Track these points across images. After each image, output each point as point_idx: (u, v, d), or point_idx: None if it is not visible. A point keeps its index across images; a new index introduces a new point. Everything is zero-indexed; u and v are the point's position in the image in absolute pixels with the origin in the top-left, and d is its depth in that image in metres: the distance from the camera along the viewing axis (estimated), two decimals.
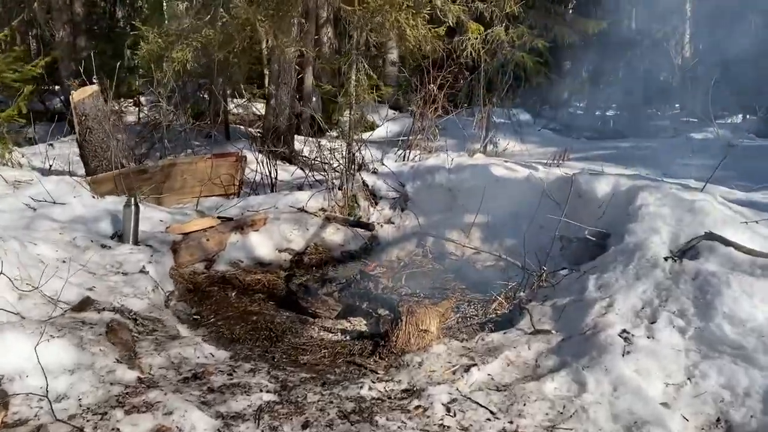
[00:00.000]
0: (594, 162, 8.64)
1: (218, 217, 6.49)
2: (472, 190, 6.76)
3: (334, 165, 7.95)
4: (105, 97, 8.92)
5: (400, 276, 5.96)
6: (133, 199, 5.45)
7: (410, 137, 8.08)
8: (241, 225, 6.48)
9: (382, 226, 7.16)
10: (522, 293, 5.02)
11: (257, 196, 7.66)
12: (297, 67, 11.46)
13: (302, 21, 7.96)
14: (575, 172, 6.20)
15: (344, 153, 7.56)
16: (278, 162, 9.67)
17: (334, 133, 13.01)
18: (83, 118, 7.16)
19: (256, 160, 8.20)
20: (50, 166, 7.96)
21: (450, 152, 7.72)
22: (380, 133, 12.92)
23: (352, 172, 7.44)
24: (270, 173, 8.20)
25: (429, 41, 7.91)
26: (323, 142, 8.72)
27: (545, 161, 8.54)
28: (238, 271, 6.03)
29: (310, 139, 8.75)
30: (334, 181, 7.50)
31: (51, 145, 8.46)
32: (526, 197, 6.38)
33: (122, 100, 11.81)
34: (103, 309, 4.15)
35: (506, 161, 7.61)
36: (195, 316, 5.03)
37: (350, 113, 7.57)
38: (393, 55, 14.83)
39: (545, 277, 4.94)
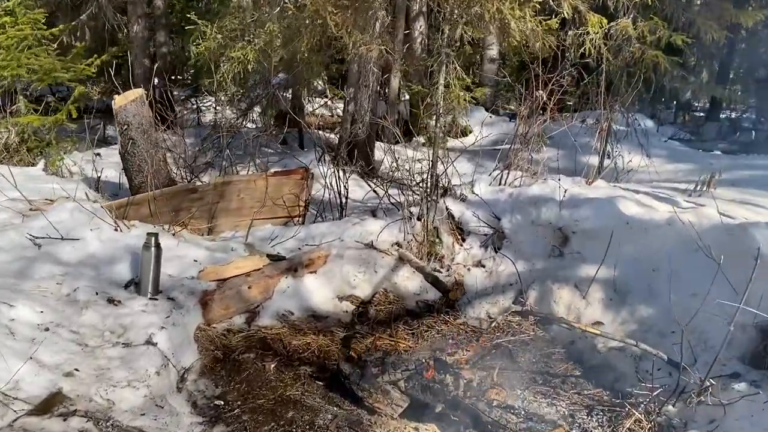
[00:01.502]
0: (747, 190, 6.71)
1: (268, 256, 5.26)
2: (591, 232, 5.15)
3: (414, 186, 6.55)
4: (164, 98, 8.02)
5: (490, 363, 4.48)
6: (153, 238, 4.30)
7: (510, 154, 6.51)
8: (294, 266, 5.23)
9: (469, 269, 5.70)
10: (671, 406, 3.44)
11: (322, 223, 6.39)
12: (382, 66, 10.18)
13: (385, 14, 6.57)
14: (744, 222, 4.46)
15: (427, 174, 6.14)
16: (355, 176, 8.44)
17: (422, 139, 11.62)
18: (125, 127, 6.17)
19: (324, 177, 6.94)
20: (98, 177, 7.06)
21: (561, 177, 6.11)
22: (473, 140, 11.43)
23: (434, 198, 6.01)
24: (340, 193, 6.93)
25: (538, 36, 6.34)
26: (405, 153, 7.30)
27: (684, 187, 6.71)
28: (285, 328, 4.79)
29: (394, 146, 7.37)
30: (412, 209, 6.10)
31: (98, 154, 7.59)
32: (670, 248, 4.73)
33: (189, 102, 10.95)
34: (74, 412, 3.00)
35: (636, 191, 5.91)
36: (217, 402, 3.82)
37: (436, 126, 6.13)
38: (492, 51, 13.20)
39: (710, 388, 3.32)
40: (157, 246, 4.37)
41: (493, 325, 5.05)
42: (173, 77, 12.90)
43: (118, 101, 6.21)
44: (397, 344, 4.80)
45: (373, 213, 6.84)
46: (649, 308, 4.44)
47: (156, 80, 12.37)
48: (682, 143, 11.36)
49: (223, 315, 4.61)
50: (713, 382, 3.29)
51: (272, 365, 4.25)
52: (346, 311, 5.22)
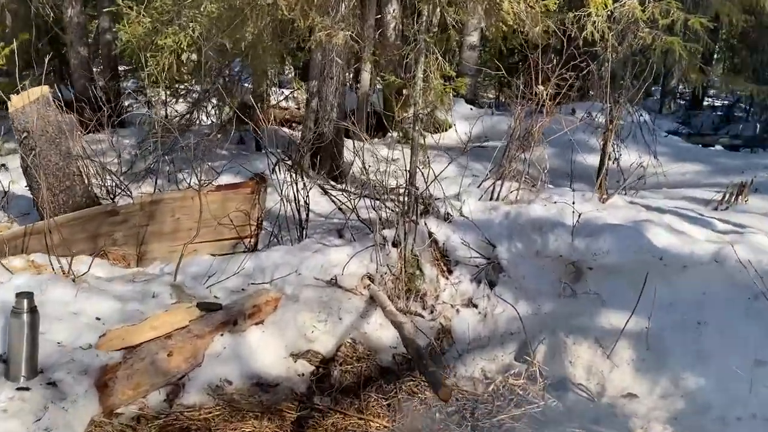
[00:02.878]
0: None
1: (199, 305, 4.05)
2: (613, 268, 4.05)
3: (387, 198, 5.37)
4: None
5: None
6: (25, 300, 3.08)
7: (503, 161, 5.36)
8: (233, 317, 4.03)
9: (458, 311, 4.56)
10: None
11: (276, 250, 5.19)
12: (351, 55, 8.96)
13: None
14: None
15: (404, 190, 4.98)
16: (321, 182, 7.23)
17: (396, 135, 10.43)
18: (25, 135, 4.89)
19: (281, 187, 5.71)
20: (5, 192, 5.75)
21: (567, 192, 4.99)
22: (454, 135, 10.27)
23: (413, 219, 4.85)
24: (299, 209, 5.72)
25: (536, 19, 5.18)
26: (377, 153, 6.05)
27: (704, 196, 5.64)
28: (218, 408, 3.60)
29: (365, 144, 6.11)
30: (385, 232, 4.93)
31: (4, 165, 6.27)
32: (717, 293, 3.65)
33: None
34: None
35: (659, 209, 4.82)
36: None
37: (414, 130, 4.96)
38: (473, 38, 12.01)
39: None
40: (32, 311, 3.15)
41: (491, 389, 3.92)
42: (120, 68, 11.47)
43: (15, 102, 4.91)
44: (369, 424, 3.65)
45: (339, 233, 5.66)
46: (699, 377, 3.35)
47: (96, 71, 10.99)
48: (684, 138, 10.35)
49: (132, 397, 3.41)
50: None
51: None
52: (302, 374, 4.05)
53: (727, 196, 5.45)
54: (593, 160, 6.83)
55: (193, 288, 4.48)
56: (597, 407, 3.54)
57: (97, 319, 3.73)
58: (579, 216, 4.20)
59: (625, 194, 5.63)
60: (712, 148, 10.44)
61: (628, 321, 3.67)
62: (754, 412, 2.96)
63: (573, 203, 4.32)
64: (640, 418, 3.29)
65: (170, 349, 3.62)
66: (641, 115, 7.72)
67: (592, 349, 3.80)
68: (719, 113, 15.56)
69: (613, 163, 6.42)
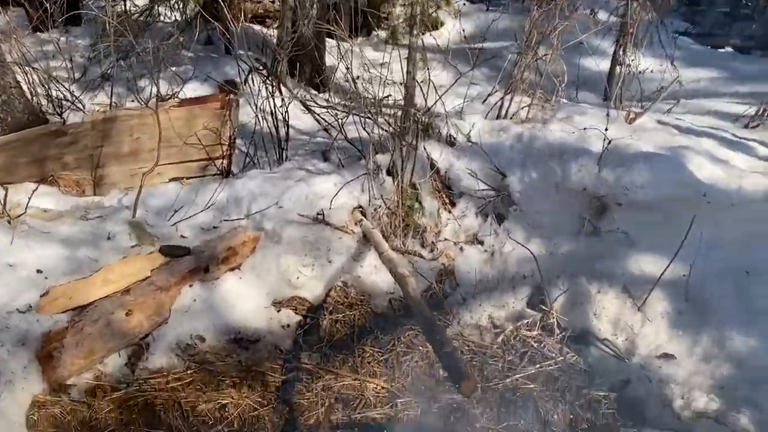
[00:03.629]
0: None
1: (162, 250, 3.44)
2: (646, 205, 3.49)
3: (378, 113, 4.66)
4: None
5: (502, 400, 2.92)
6: None
7: (515, 72, 4.62)
8: (204, 264, 3.45)
9: (462, 249, 4.02)
10: None
11: (252, 177, 4.51)
12: None
13: None
14: None
15: (398, 105, 4.27)
16: (302, 90, 6.43)
17: (383, 34, 9.50)
18: None
19: (255, 100, 4.95)
20: None
21: (589, 110, 4.32)
22: (445, 35, 9.33)
23: (411, 143, 4.19)
24: (278, 126, 4.99)
25: None
26: (364, 54, 5.22)
27: (729, 109, 5.00)
28: (189, 372, 3.09)
29: (349, 45, 5.24)
30: (378, 157, 4.28)
31: None
32: None
33: None
34: None
35: (689, 129, 4.20)
36: None
37: (412, 33, 4.19)
38: None
39: None
40: None
41: (500, 339, 3.46)
42: None
43: None
44: (365, 385, 3.18)
45: (325, 155, 5.00)
46: (748, 337, 2.88)
47: None
48: (693, 38, 9.53)
49: (83, 366, 2.86)
50: None
51: None
52: (287, 326, 3.53)
53: (760, 111, 4.83)
54: (603, 65, 6.07)
55: (157, 225, 3.85)
56: (626, 368, 3.10)
57: (39, 272, 3.12)
58: (609, 142, 3.57)
59: (643, 107, 4.96)
60: (721, 49, 9.63)
61: (667, 267, 3.14)
62: None
63: (605, 129, 3.66)
64: (679, 385, 2.85)
65: (129, 307, 3.05)
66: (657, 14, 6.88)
67: (620, 300, 3.31)
68: (722, 10, 14.57)
69: (626, 69, 5.69)
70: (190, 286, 3.36)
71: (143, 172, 4.17)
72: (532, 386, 3.15)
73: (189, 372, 3.09)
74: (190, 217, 3.93)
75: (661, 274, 3.16)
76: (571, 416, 2.94)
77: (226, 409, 2.90)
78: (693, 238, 3.13)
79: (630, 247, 3.48)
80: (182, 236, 3.81)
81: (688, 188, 3.34)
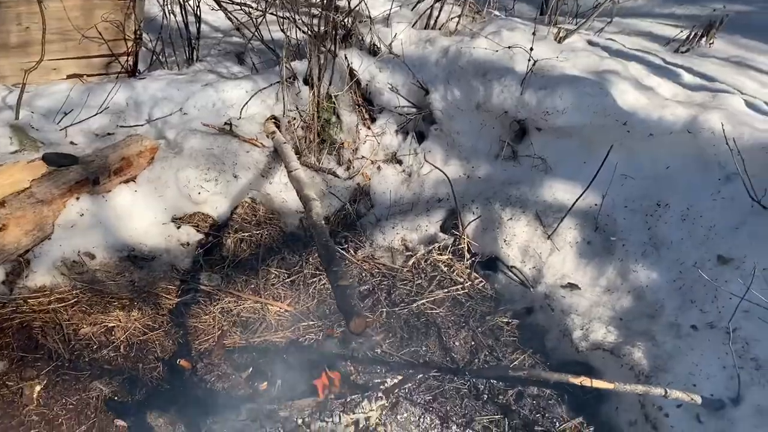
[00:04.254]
0: (747, 41, 4.96)
1: (45, 158, 3.11)
2: (566, 131, 3.38)
3: (300, 20, 4.30)
4: None
5: (403, 348, 2.88)
6: None
7: None
8: (94, 175, 3.15)
9: (379, 168, 3.85)
10: None
11: (156, 78, 4.14)
12: None
13: None
14: None
15: (320, 5, 3.92)
16: None
17: None
18: None
19: None
20: None
21: (516, 23, 4.09)
22: None
23: (330, 48, 3.90)
24: (187, 22, 4.53)
25: None
26: None
27: (668, 35, 4.87)
28: (75, 290, 2.87)
29: None
30: (295, 64, 3.98)
31: None
32: (685, 171, 3.10)
33: None
34: None
35: (619, 52, 4.06)
36: None
37: None
38: None
39: None
40: None
41: (411, 263, 3.38)
42: None
43: None
44: (266, 308, 3.06)
45: (239, 57, 4.63)
46: (651, 271, 2.90)
47: None
48: None
49: None
50: None
51: (35, 389, 2.42)
52: (187, 245, 3.33)
53: (692, 36, 4.73)
54: None
55: (43, 129, 3.48)
56: (531, 296, 3.08)
57: None
58: (534, 63, 3.39)
59: (577, 23, 4.74)
60: None
61: (580, 197, 3.08)
62: (711, 321, 2.56)
63: (530, 49, 3.46)
64: (580, 315, 2.86)
65: (3, 221, 2.75)
66: None
67: (531, 227, 3.25)
68: None
69: None
70: (77, 198, 3.07)
71: (34, 78, 3.73)
72: (437, 311, 3.10)
73: (75, 292, 2.87)
74: (81, 121, 3.57)
75: (573, 204, 3.11)
76: (473, 342, 2.93)
77: (113, 333, 2.72)
78: (608, 168, 3.05)
79: (546, 174, 3.40)
80: (72, 143, 3.48)
81: (610, 116, 3.24)
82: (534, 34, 3.70)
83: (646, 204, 3.11)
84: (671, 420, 2.32)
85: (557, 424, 2.54)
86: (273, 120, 3.86)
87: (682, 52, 4.60)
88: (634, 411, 2.46)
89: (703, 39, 4.73)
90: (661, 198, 3.09)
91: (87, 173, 3.11)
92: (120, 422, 2.36)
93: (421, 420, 2.49)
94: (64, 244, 2.99)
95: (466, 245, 3.37)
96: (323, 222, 2.63)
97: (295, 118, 3.83)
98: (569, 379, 2.06)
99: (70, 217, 3.03)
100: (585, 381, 2.03)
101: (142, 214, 3.26)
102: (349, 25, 4.08)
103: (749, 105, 3.42)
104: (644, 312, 2.80)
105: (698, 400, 2.23)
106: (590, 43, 4.13)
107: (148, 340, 2.75)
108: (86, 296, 2.86)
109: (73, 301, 2.82)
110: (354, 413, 2.11)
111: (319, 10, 3.84)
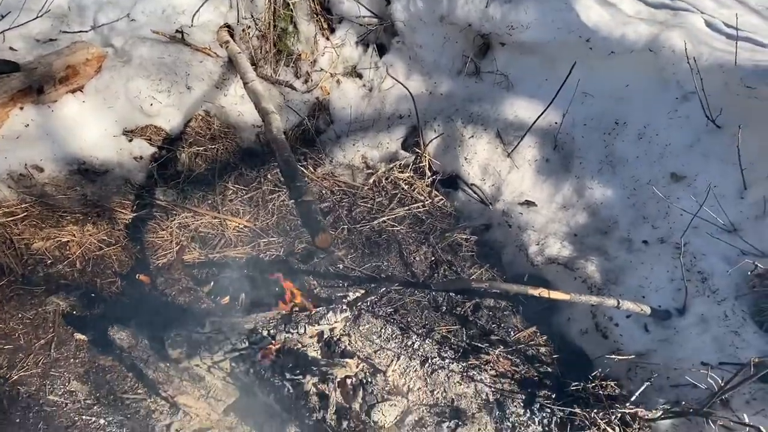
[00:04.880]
0: None
1: None
2: (530, 47, 3.34)
3: None
4: None
5: (366, 263, 2.92)
6: None
7: None
8: (37, 83, 2.96)
9: (339, 82, 3.76)
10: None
11: None
12: None
13: None
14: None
15: None
16: None
17: None
18: None
19: None
20: None
21: None
22: None
23: None
24: None
25: None
26: None
27: None
28: (25, 203, 2.77)
29: None
30: None
31: None
32: (644, 89, 3.14)
33: None
34: None
35: None
36: None
37: None
38: None
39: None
40: None
41: (372, 180, 3.38)
42: None
43: None
44: (225, 224, 3.03)
45: None
46: (606, 188, 2.97)
47: None
48: None
49: None
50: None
51: None
52: (140, 158, 3.22)
53: None
54: None
55: None
56: (489, 213, 3.13)
57: None
58: None
59: None
60: None
61: (540, 115, 3.09)
62: (662, 237, 2.66)
63: None
64: (536, 231, 2.94)
65: None
66: None
67: (492, 144, 3.27)
68: None
69: None
70: (21, 108, 2.90)
71: None
72: (398, 228, 3.13)
73: (24, 206, 2.76)
74: (20, 25, 3.31)
75: (534, 122, 3.12)
76: (432, 258, 2.98)
77: (68, 248, 2.65)
78: (569, 86, 3.05)
79: (508, 91, 3.38)
80: (11, 48, 3.24)
81: (573, 32, 3.21)
82: None
83: (604, 122, 3.14)
84: (621, 329, 2.45)
85: (512, 333, 2.65)
86: (227, 28, 3.67)
87: None
88: (585, 321, 2.59)
89: None
90: (619, 116, 3.12)
91: (30, 81, 2.93)
92: (79, 336, 2.33)
93: (383, 330, 2.55)
94: (10, 156, 2.85)
95: (427, 163, 3.37)
96: (283, 136, 2.56)
97: (249, 27, 3.65)
98: (528, 291, 2.14)
99: (14, 127, 2.87)
100: (543, 292, 2.11)
101: (92, 125, 3.12)
102: None
103: (708, 24, 3.42)
104: (598, 228, 2.89)
105: (647, 310, 2.35)
106: None
107: (105, 255, 2.70)
108: (36, 210, 2.76)
109: (22, 215, 2.71)
110: (318, 324, 2.15)
111: None
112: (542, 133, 3.21)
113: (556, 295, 2.14)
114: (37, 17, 3.38)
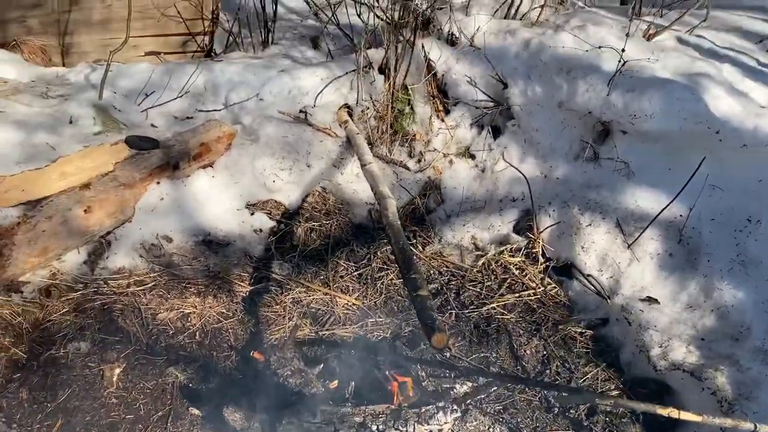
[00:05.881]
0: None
1: (128, 140, 3.17)
2: (653, 136, 3.23)
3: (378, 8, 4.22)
4: None
5: (473, 356, 2.84)
6: None
7: None
8: (174, 159, 3.20)
9: (452, 162, 3.79)
10: None
11: (233, 60, 4.17)
12: None
13: None
14: None
15: None
16: None
17: None
18: None
19: None
20: None
21: (606, 21, 3.90)
22: None
23: (408, 38, 3.82)
24: (263, 4, 4.52)
25: None
26: None
27: (759, 31, 4.57)
28: (153, 272, 2.95)
29: None
30: (371, 52, 3.92)
31: None
32: None
33: None
34: None
35: (714, 52, 3.84)
36: None
37: None
38: None
39: None
40: None
41: (481, 263, 3.33)
42: None
43: None
44: (335, 300, 3.07)
45: (314, 42, 4.60)
46: (738, 290, 2.76)
47: None
48: None
49: (37, 264, 2.70)
50: None
51: (115, 372, 2.50)
52: (259, 231, 3.36)
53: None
54: None
55: (125, 110, 3.56)
56: (607, 307, 2.99)
57: None
58: (623, 63, 3.24)
59: (662, 14, 4.46)
60: None
61: (666, 207, 2.95)
62: None
63: (621, 50, 3.31)
64: (659, 332, 2.76)
65: (88, 204, 2.83)
66: None
67: (611, 235, 3.14)
68: None
69: None
70: (158, 183, 3.13)
71: (114, 47, 3.79)
72: (508, 316, 3.05)
73: (152, 275, 2.93)
74: (163, 103, 3.62)
75: (659, 213, 2.98)
76: (544, 352, 2.87)
77: (189, 319, 2.78)
78: (697, 178, 2.91)
79: (628, 179, 3.26)
80: (153, 125, 3.54)
81: (701, 123, 3.07)
82: (627, 35, 3.51)
83: (735, 218, 2.96)
84: None
85: None
86: (346, 108, 3.83)
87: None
88: None
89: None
90: (752, 213, 2.93)
91: (168, 158, 3.16)
92: (194, 410, 2.41)
93: (491, 430, 2.45)
94: (144, 228, 3.06)
95: (540, 249, 3.29)
96: (399, 223, 2.59)
97: (368, 108, 3.79)
98: (657, 410, 1.99)
99: (150, 200, 3.09)
100: (672, 413, 1.95)
101: (219, 199, 3.30)
102: (428, 14, 3.99)
103: None
104: (728, 333, 2.68)
105: None
106: (680, 40, 3.91)
107: (222, 328, 2.80)
108: (163, 280, 2.93)
109: (151, 284, 2.88)
110: (428, 424, 2.10)
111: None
112: (665, 226, 3.05)
113: (687, 416, 1.98)
114: (177, 97, 3.69)
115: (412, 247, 3.42)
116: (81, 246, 2.89)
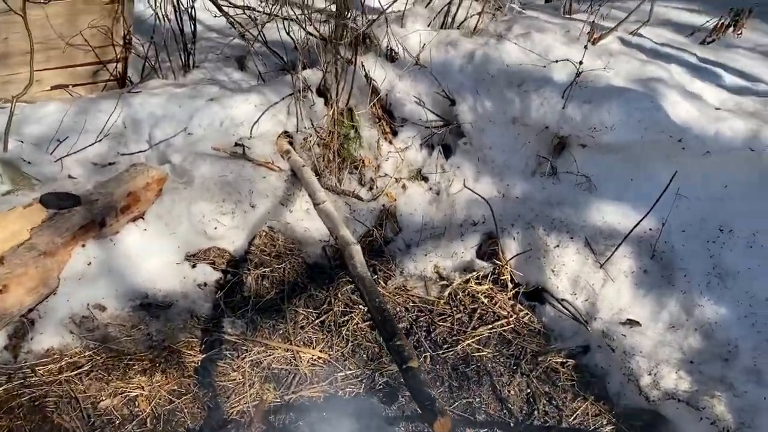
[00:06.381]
0: None
1: (43, 200, 2.75)
2: (613, 148, 3.11)
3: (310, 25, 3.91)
4: None
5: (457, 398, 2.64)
6: None
7: None
8: (100, 216, 2.81)
9: (405, 187, 3.56)
10: None
11: (153, 91, 3.77)
12: None
13: None
14: None
15: (330, 13, 3.57)
16: None
17: None
18: None
19: None
20: None
21: (548, 27, 3.77)
22: None
23: (346, 55, 3.56)
24: (181, 25, 4.12)
25: None
26: None
27: (691, 23, 4.58)
28: (88, 350, 2.57)
29: None
30: (306, 73, 3.63)
31: None
32: (749, 192, 2.88)
33: None
34: None
35: (657, 52, 3.78)
36: None
37: None
38: None
39: None
40: None
41: (447, 293, 3.13)
42: None
43: None
44: (299, 356, 2.78)
45: (240, 62, 4.26)
46: (718, 305, 2.68)
47: None
48: None
49: None
50: None
51: None
52: (204, 285, 3.02)
53: (718, 25, 4.46)
54: None
55: (36, 162, 3.12)
56: (586, 333, 2.85)
57: None
58: (579, 74, 3.10)
59: (592, 12, 4.38)
60: None
61: (639, 223, 2.83)
62: None
63: (579, 62, 3.16)
64: (646, 357, 2.64)
65: (3, 282, 2.42)
66: None
67: (581, 255, 3.01)
68: None
69: None
70: (83, 245, 2.74)
71: (14, 83, 3.32)
72: (484, 352, 2.86)
73: (87, 354, 2.56)
74: (79, 150, 3.20)
75: (630, 231, 2.86)
76: (528, 390, 2.69)
77: (136, 404, 2.43)
78: (660, 188, 2.80)
79: (591, 193, 3.14)
80: (70, 176, 3.12)
81: (663, 132, 2.98)
82: (568, 32, 3.39)
83: (706, 229, 2.88)
84: None
85: None
86: (286, 137, 3.53)
87: (708, 43, 4.33)
88: None
89: (730, 29, 4.47)
90: (722, 222, 2.86)
91: (92, 215, 2.77)
92: None
93: None
94: (72, 299, 2.67)
95: (509, 275, 3.11)
96: (369, 274, 2.33)
97: (310, 135, 3.50)
98: None
99: (76, 267, 2.70)
100: None
101: (154, 254, 2.94)
102: (363, 28, 3.72)
103: None
104: (716, 353, 2.59)
105: None
106: (623, 41, 3.84)
107: (176, 409, 2.47)
108: (101, 358, 2.56)
109: (87, 366, 2.51)
110: None
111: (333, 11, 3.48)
112: (637, 241, 2.95)
113: None
114: (96, 142, 3.28)
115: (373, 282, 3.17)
116: (1, 328, 2.47)
